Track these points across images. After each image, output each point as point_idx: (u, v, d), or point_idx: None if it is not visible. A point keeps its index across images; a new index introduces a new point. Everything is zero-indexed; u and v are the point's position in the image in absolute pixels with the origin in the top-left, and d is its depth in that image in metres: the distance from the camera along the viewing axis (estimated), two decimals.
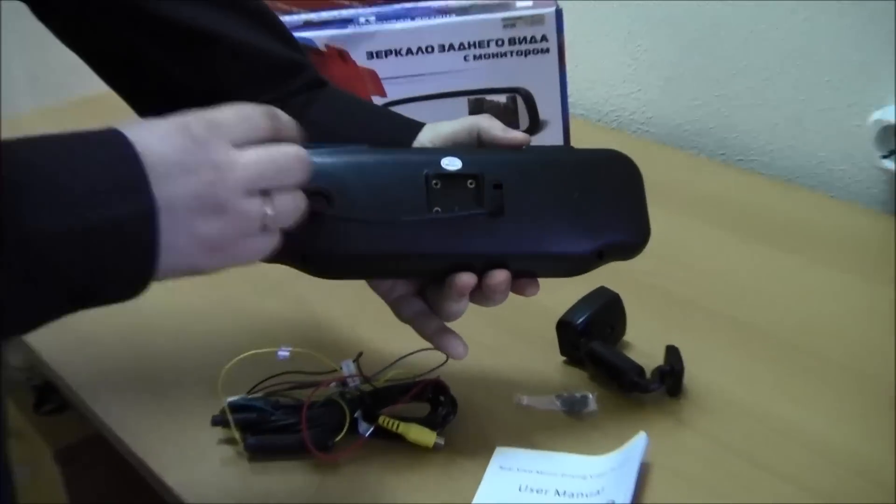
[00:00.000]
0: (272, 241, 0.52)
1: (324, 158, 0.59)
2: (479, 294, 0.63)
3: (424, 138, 0.68)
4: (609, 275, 0.74)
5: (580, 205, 0.62)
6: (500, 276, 0.61)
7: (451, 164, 0.60)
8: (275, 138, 0.53)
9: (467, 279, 0.61)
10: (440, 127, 0.67)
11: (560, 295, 0.78)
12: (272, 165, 0.51)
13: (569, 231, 0.61)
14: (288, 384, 0.75)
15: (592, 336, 0.78)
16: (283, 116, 0.54)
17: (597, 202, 0.62)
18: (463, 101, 0.95)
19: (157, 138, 0.49)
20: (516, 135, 0.64)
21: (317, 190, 0.56)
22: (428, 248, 0.59)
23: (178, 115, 0.50)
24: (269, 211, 0.51)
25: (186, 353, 0.83)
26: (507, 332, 0.84)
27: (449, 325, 0.67)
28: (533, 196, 0.60)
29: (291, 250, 0.54)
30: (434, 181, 0.60)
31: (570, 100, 1.01)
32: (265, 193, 0.52)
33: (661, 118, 1.26)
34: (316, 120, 0.66)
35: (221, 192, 0.49)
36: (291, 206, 0.53)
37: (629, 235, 0.63)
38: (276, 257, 0.54)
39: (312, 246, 0.58)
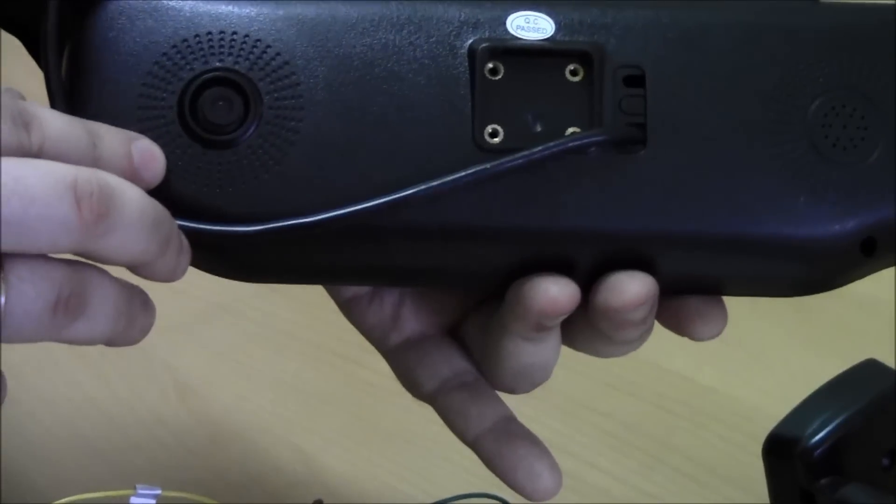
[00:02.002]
0: None
1: (233, 5, 0.45)
2: (586, 325, 0.46)
3: None
4: (880, 321, 0.66)
5: (821, 130, 0.46)
6: (635, 284, 0.45)
7: (531, 25, 0.46)
8: (35, 154, 0.39)
9: (561, 290, 0.45)
10: None
11: (766, 369, 0.67)
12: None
13: (795, 186, 0.46)
14: None
15: (848, 473, 0.54)
16: (50, 119, 0.39)
17: (861, 126, 0.46)
18: None
19: None
20: None
21: (222, 77, 0.43)
22: (474, 217, 0.45)
23: None
24: None
25: None
26: (640, 440, 0.65)
27: (514, 411, 0.50)
28: (712, 105, 0.46)
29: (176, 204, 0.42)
30: (490, 65, 0.45)
31: None
32: None
33: None
34: None
35: None
36: (44, 296, 0.38)
37: None
38: None
39: (208, 200, 0.43)
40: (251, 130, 0.43)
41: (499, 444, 0.49)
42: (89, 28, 0.42)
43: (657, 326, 0.50)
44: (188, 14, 0.42)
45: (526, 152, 0.43)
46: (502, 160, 0.43)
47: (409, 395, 0.51)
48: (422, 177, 0.44)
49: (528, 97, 0.45)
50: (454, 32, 0.45)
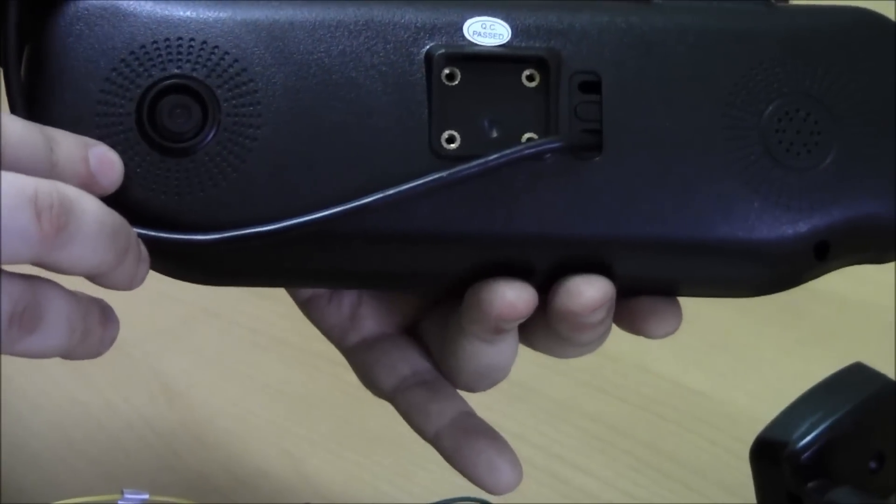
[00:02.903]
0: None
1: (191, 11, 0.45)
2: (544, 327, 0.46)
3: None
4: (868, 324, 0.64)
5: (775, 135, 0.47)
6: (592, 289, 0.45)
7: (488, 31, 0.46)
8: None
9: (518, 295, 0.45)
10: None
11: (754, 373, 0.65)
12: None
13: (749, 191, 0.46)
14: None
15: (835, 476, 0.54)
16: (8, 124, 0.39)
17: (815, 131, 0.47)
18: None
19: None
20: None
21: (179, 84, 0.43)
22: (431, 224, 0.45)
23: None
24: None
25: None
26: (627, 443, 0.64)
27: (474, 409, 0.50)
28: (667, 111, 0.46)
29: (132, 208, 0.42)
30: (447, 71, 0.45)
31: None
32: None
33: None
34: None
35: None
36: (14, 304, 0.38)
37: (887, 203, 0.47)
38: None
39: (167, 207, 0.44)
40: (209, 138, 0.43)
41: (458, 440, 0.48)
42: (47, 33, 0.42)
43: None
44: (146, 20, 0.42)
45: (481, 160, 0.43)
46: (458, 168, 0.43)
47: None
48: (380, 183, 0.44)
49: (485, 103, 0.45)
50: (411, 38, 0.45)
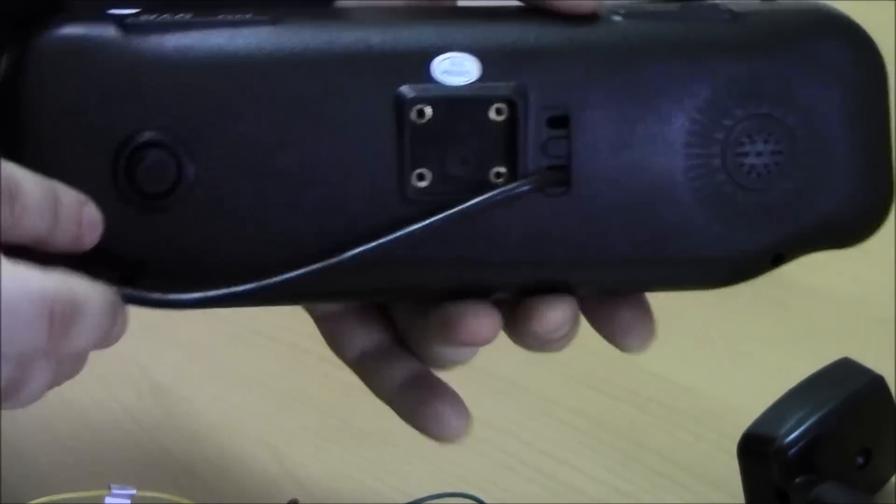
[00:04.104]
0: None
1: (154, 60, 0.45)
2: (517, 333, 0.48)
3: None
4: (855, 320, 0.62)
5: (736, 158, 0.47)
6: (557, 312, 0.46)
7: (456, 69, 0.46)
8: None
9: (484, 322, 0.46)
10: None
11: (742, 368, 0.64)
12: None
13: (713, 215, 0.47)
14: None
15: (822, 472, 0.55)
16: (28, 189, 0.40)
17: (774, 149, 0.48)
18: None
19: None
20: None
21: (151, 140, 0.44)
22: (402, 257, 0.46)
23: None
24: None
25: None
26: (615, 438, 0.63)
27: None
28: (634, 139, 0.47)
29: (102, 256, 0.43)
30: (416, 109, 0.45)
31: None
32: None
33: None
34: None
35: None
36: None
37: (841, 201, 0.48)
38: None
39: (141, 261, 0.45)
40: (184, 192, 0.43)
41: (411, 396, 0.49)
42: (19, 81, 0.42)
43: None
44: (114, 69, 0.43)
45: (449, 212, 0.44)
46: (428, 221, 0.44)
47: None
48: (352, 224, 0.44)
49: (454, 140, 0.45)
50: (381, 77, 0.45)
